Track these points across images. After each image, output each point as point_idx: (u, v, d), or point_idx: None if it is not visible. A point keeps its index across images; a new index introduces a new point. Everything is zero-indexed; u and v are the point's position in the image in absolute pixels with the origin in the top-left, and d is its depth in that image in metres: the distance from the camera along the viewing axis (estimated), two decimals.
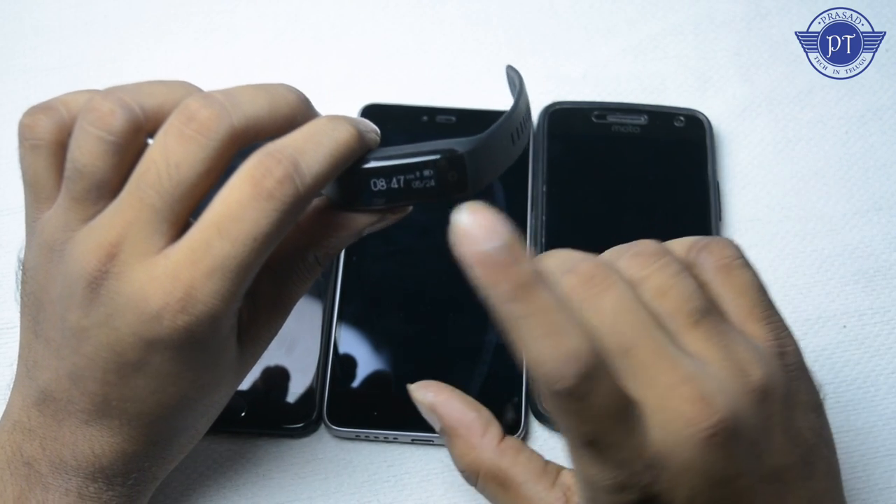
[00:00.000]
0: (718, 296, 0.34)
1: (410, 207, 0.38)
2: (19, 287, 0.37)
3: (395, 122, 0.53)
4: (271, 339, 0.38)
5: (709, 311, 0.32)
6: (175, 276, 0.31)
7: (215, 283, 0.31)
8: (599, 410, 0.29)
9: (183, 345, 0.32)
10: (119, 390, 0.33)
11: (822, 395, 0.34)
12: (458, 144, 0.35)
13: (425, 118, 0.53)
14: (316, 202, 0.37)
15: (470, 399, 0.38)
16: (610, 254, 0.34)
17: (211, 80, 0.56)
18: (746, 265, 0.34)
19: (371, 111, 0.54)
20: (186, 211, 0.32)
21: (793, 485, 0.33)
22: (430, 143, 0.36)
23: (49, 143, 0.34)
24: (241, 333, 0.36)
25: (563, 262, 0.32)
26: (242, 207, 0.31)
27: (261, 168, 0.32)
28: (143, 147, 0.33)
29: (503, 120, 0.37)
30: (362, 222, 0.37)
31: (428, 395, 0.38)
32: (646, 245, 0.34)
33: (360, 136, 0.35)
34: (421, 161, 0.35)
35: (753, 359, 0.32)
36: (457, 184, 0.35)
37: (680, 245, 0.35)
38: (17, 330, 0.48)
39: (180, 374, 0.33)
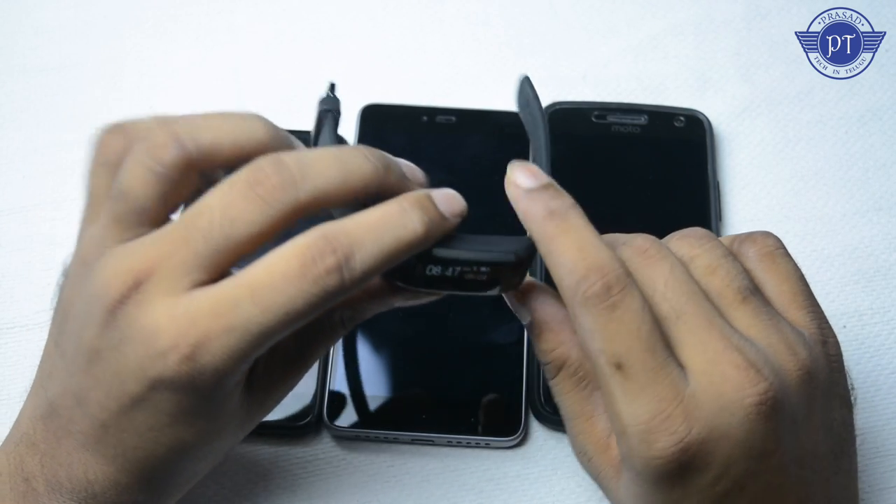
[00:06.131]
0: (762, 282, 0.35)
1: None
2: (57, 294, 0.37)
3: (394, 122, 0.53)
4: (285, 394, 0.37)
5: (756, 290, 0.34)
6: (193, 321, 0.31)
7: (230, 340, 0.31)
8: (628, 326, 0.31)
9: (183, 389, 0.32)
10: (117, 420, 0.33)
11: (853, 397, 0.35)
12: (522, 248, 0.34)
13: (425, 118, 0.53)
14: None
15: (559, 296, 0.36)
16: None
17: (211, 80, 0.57)
18: (788, 255, 0.36)
19: (371, 111, 0.54)
20: (226, 264, 0.32)
21: (821, 475, 0.34)
22: (493, 239, 0.35)
23: (116, 165, 0.34)
24: (254, 384, 0.35)
25: (618, 237, 0.35)
26: (285, 281, 0.31)
27: (314, 250, 0.31)
28: (194, 182, 0.33)
29: None
30: (399, 298, 0.36)
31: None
32: (694, 230, 0.36)
33: (428, 235, 0.33)
34: (490, 261, 0.34)
35: (799, 340, 0.33)
36: (512, 280, 0.35)
37: (724, 238, 0.37)
38: (16, 330, 0.49)
39: (178, 418, 0.33)
